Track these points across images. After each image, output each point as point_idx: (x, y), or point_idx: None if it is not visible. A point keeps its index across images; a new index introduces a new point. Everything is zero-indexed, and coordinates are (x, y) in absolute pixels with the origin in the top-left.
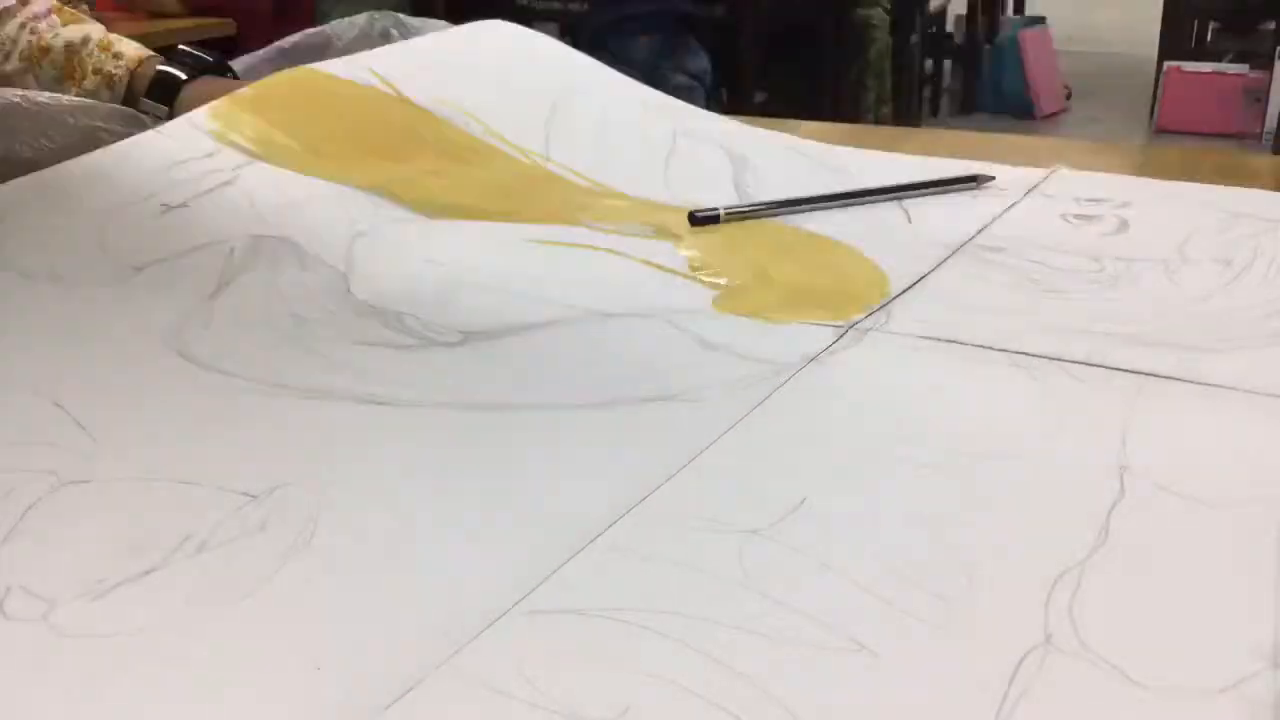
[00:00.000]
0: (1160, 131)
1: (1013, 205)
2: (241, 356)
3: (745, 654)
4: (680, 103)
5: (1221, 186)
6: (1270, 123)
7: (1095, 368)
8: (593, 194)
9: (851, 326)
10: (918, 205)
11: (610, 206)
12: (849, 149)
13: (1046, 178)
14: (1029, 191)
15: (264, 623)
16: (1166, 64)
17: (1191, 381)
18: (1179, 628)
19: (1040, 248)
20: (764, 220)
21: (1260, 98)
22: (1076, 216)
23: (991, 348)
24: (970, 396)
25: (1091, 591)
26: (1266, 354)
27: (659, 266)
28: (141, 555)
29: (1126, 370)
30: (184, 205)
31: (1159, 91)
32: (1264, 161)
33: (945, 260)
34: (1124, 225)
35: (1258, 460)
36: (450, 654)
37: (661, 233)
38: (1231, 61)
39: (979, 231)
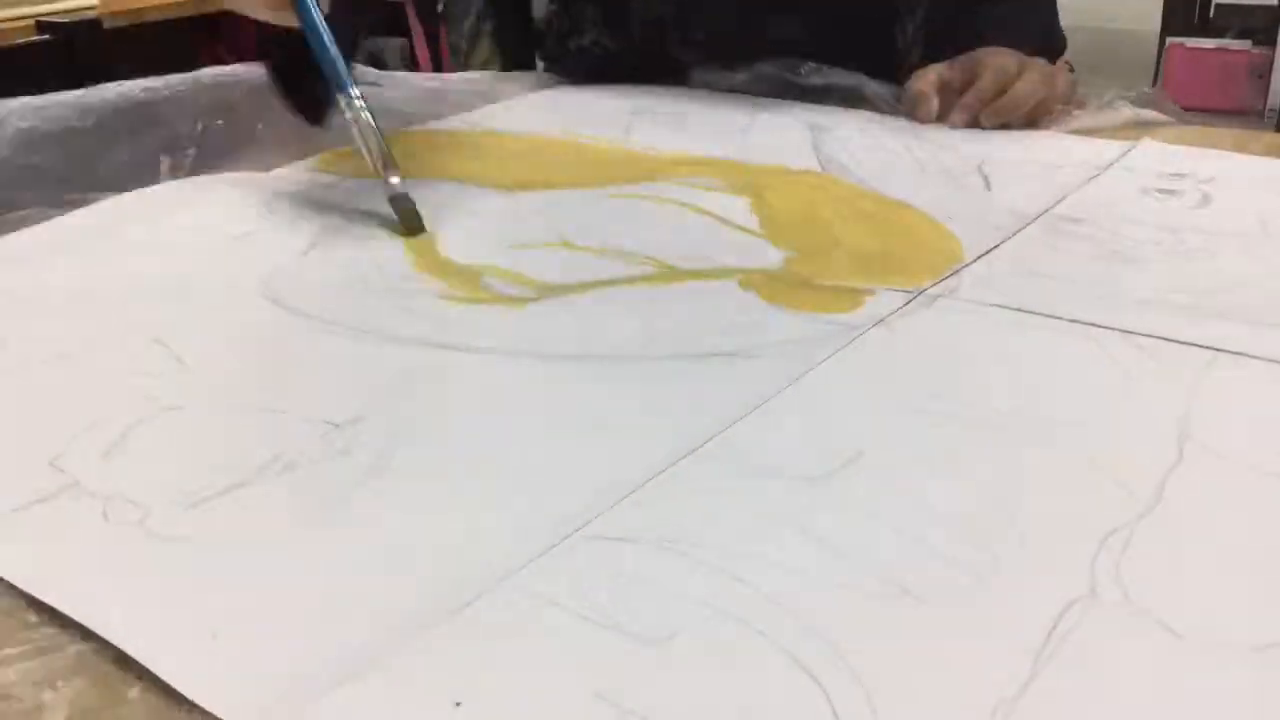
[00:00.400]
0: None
1: (1095, 177)
2: (328, 304)
3: (793, 592)
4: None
5: None
6: (1274, 99)
7: (1165, 340)
8: (670, 160)
9: (920, 293)
10: (999, 173)
11: (687, 166)
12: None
13: (1130, 150)
14: (1112, 164)
15: (343, 534)
16: (1169, 40)
17: (1262, 358)
18: (1224, 588)
19: (1119, 220)
20: (840, 180)
21: (1264, 74)
22: (1159, 191)
23: (1060, 318)
24: (1034, 364)
25: (1140, 550)
26: None
27: (732, 224)
28: (232, 472)
29: (1196, 345)
30: (280, 195)
31: (1161, 68)
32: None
33: (1022, 229)
34: (1206, 199)
35: None
36: (514, 570)
37: (736, 189)
38: (1235, 38)
39: (1058, 202)
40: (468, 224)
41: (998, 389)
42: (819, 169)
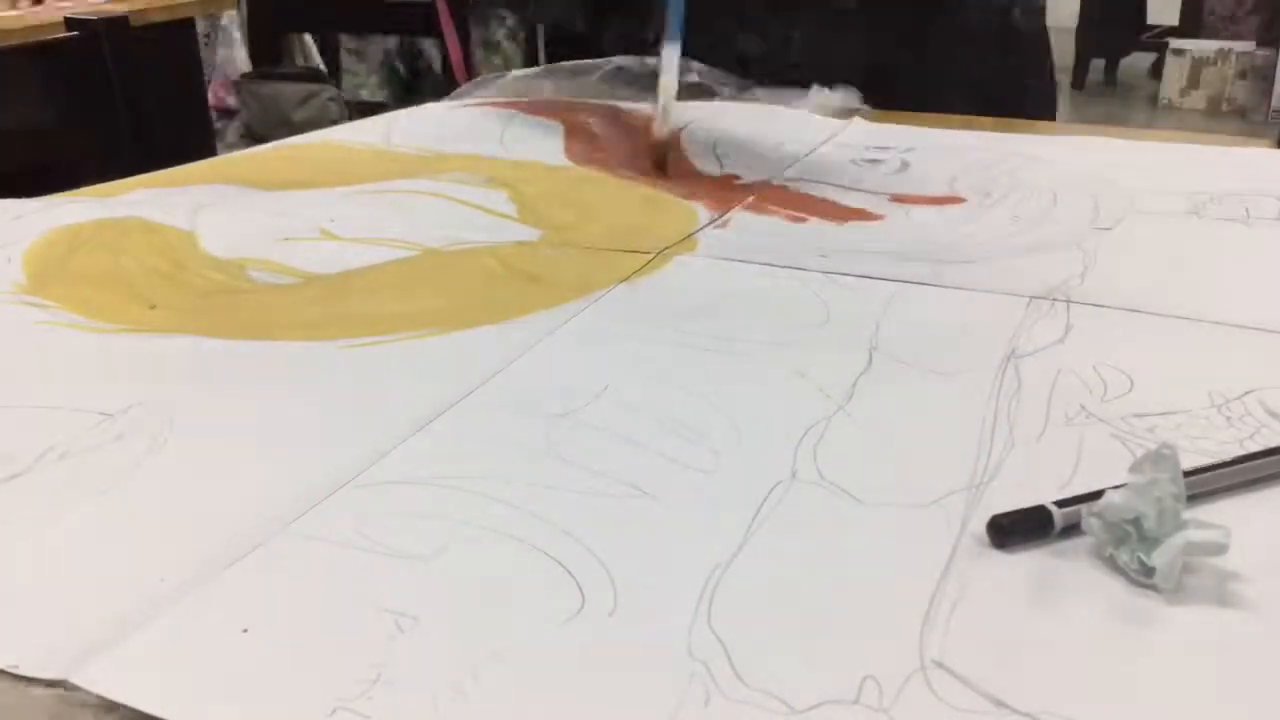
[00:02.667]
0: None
1: (813, 150)
2: (91, 303)
3: (545, 504)
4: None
5: (994, 133)
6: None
7: (860, 278)
8: (429, 161)
9: (659, 253)
10: (732, 152)
11: (446, 165)
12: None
13: (845, 128)
14: (827, 140)
15: (128, 503)
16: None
17: (937, 285)
18: (901, 464)
19: (832, 186)
20: (590, 170)
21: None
22: (865, 160)
23: (775, 265)
24: (753, 302)
25: (832, 438)
26: (1004, 263)
27: (491, 211)
28: (7, 464)
29: (886, 279)
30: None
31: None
32: None
33: (749, 198)
34: (905, 166)
35: (981, 339)
36: (293, 519)
37: (494, 183)
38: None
39: (781, 173)
40: (230, 221)
41: (723, 324)
42: (571, 164)
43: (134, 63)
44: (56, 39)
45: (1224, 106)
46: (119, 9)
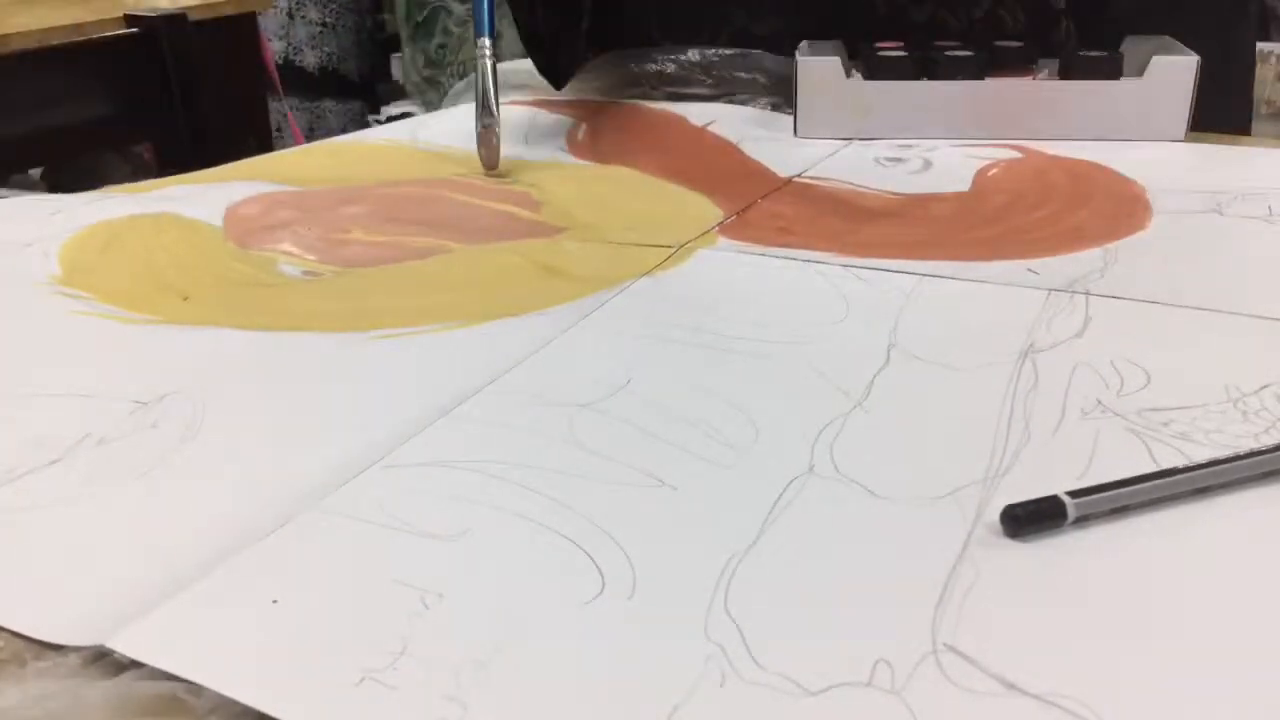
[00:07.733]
0: None
1: (836, 151)
2: (125, 294)
3: (568, 491)
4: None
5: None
6: None
7: (880, 271)
8: (454, 159)
9: (681, 246)
10: (754, 149)
11: (472, 164)
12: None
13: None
14: (851, 140)
15: (162, 484)
16: None
17: (957, 279)
18: (917, 459)
19: (853, 184)
20: (612, 167)
21: None
22: (888, 159)
23: (795, 258)
24: (774, 297)
25: (850, 435)
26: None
27: (514, 207)
28: (45, 449)
29: (907, 272)
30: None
31: None
32: None
33: (771, 193)
34: (928, 165)
35: (1000, 334)
36: (320, 497)
37: (518, 182)
38: None
39: (804, 170)
40: (256, 213)
41: (744, 318)
42: (591, 161)
43: (193, 58)
44: (116, 35)
45: (1263, 109)
46: (180, 5)
